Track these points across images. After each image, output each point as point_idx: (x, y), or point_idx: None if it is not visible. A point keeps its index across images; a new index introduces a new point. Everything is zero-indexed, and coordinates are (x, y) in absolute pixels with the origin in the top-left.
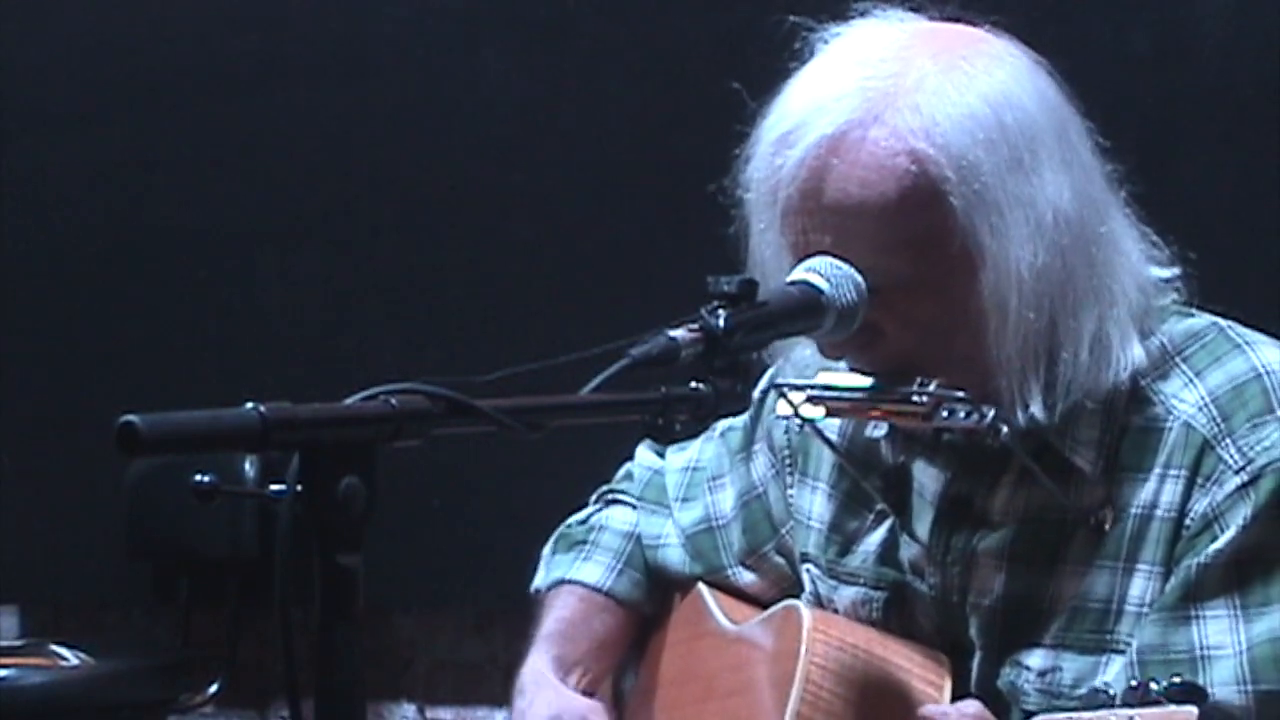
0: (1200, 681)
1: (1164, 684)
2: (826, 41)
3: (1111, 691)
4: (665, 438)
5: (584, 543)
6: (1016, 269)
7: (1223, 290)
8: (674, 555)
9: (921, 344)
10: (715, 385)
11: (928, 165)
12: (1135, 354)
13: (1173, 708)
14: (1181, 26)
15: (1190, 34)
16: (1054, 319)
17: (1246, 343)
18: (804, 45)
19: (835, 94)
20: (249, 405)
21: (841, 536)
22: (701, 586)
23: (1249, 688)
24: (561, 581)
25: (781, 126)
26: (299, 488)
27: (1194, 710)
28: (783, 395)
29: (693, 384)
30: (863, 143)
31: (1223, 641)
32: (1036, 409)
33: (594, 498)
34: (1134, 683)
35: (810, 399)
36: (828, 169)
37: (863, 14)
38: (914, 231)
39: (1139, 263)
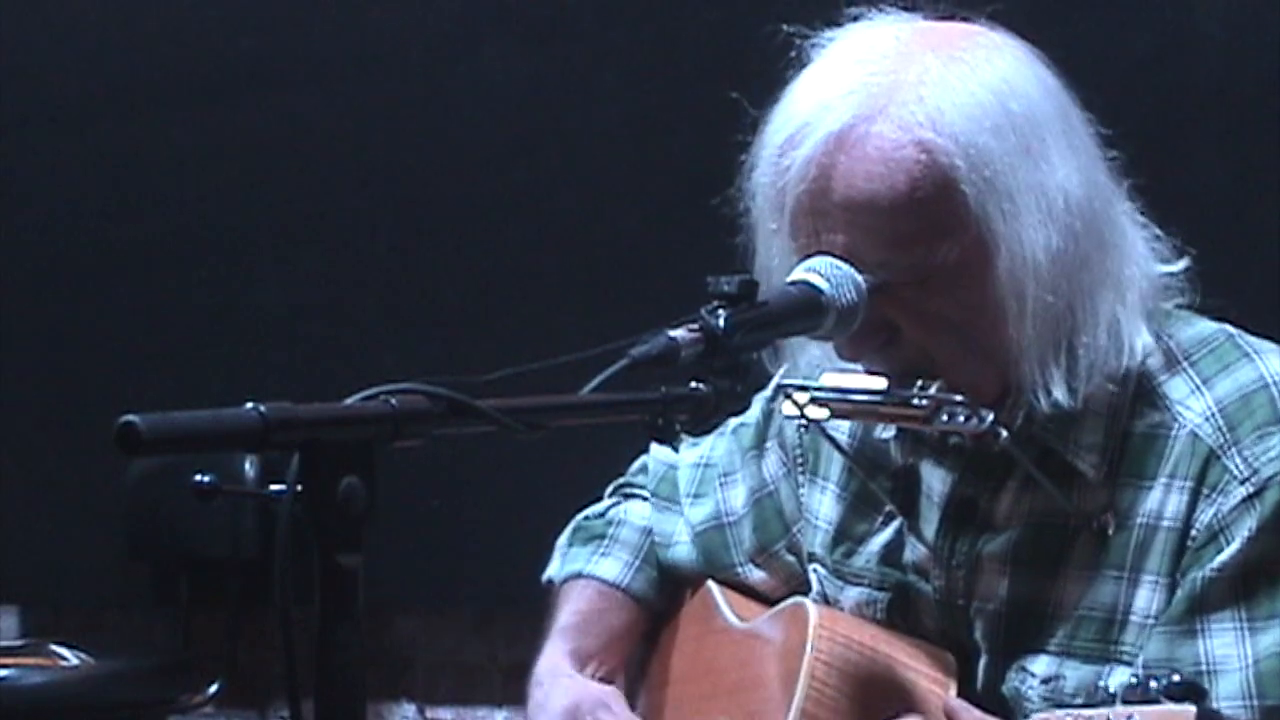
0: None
1: (1163, 682)
2: (823, 46)
3: (1112, 691)
4: (666, 438)
5: (603, 537)
6: (1032, 254)
7: (1222, 290)
8: (684, 552)
9: (940, 339)
10: (715, 385)
11: (937, 154)
12: (1146, 342)
13: (1171, 706)
14: (1181, 26)
15: (1190, 34)
16: (1071, 303)
17: (1255, 351)
18: (799, 52)
19: (839, 92)
20: (249, 405)
21: (849, 538)
22: (711, 584)
23: (1254, 702)
24: (579, 575)
25: (786, 129)
26: (299, 488)
27: (1192, 709)
28: (788, 397)
29: (693, 384)
30: (869, 137)
31: (1229, 655)
32: (1060, 394)
33: (609, 489)
34: (1134, 681)
35: (814, 400)
36: (835, 166)
37: (856, 18)
38: (927, 222)
39: (1144, 252)
